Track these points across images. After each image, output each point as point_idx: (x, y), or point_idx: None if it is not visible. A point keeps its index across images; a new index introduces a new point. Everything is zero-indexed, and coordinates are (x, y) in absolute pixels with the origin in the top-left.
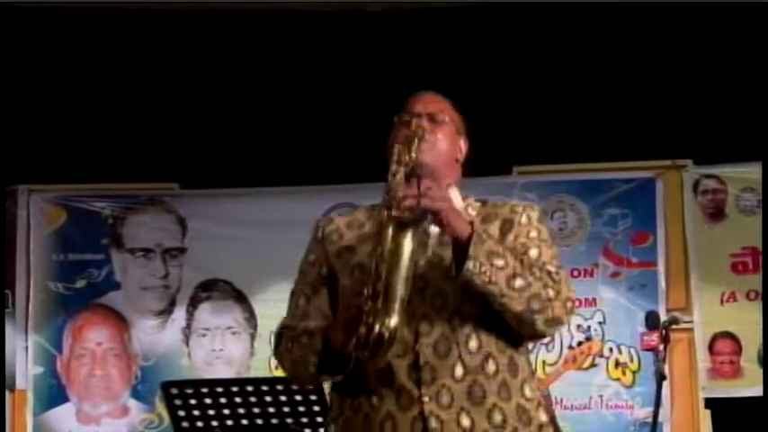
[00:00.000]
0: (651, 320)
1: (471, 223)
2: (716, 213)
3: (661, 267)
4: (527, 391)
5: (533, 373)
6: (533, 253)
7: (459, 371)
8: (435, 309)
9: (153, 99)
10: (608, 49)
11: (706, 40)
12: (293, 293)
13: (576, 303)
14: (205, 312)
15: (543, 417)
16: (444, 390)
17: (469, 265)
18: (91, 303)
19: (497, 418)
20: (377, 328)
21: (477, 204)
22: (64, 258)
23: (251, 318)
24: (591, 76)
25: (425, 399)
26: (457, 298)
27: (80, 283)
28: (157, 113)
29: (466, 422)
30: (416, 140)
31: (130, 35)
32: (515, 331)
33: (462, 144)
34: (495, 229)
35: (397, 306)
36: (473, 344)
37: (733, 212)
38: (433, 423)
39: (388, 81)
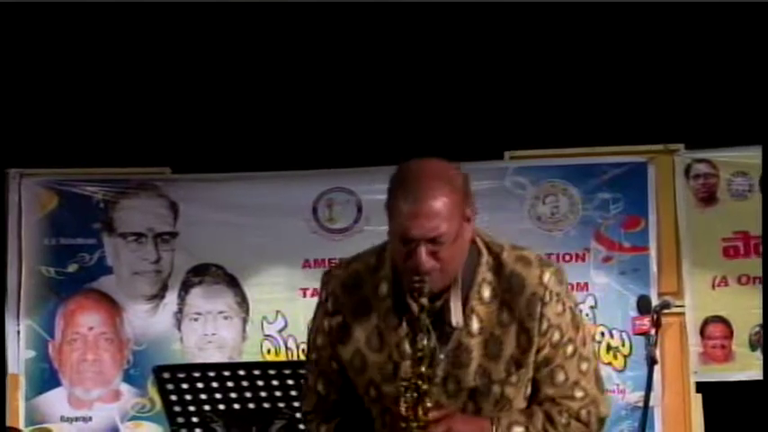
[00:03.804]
0: (643, 305)
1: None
2: (708, 198)
3: (653, 252)
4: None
5: None
6: (560, 379)
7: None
8: (451, 396)
9: (145, 83)
10: (599, 34)
11: (697, 24)
12: (307, 374)
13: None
14: (197, 297)
15: None
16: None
17: None
18: (83, 288)
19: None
20: None
21: (491, 277)
22: (56, 243)
23: (243, 302)
24: (582, 60)
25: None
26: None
27: (72, 268)
28: (149, 98)
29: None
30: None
31: (122, 21)
32: None
33: (470, 212)
34: (511, 338)
35: None
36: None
37: (725, 197)
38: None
39: (380, 66)
